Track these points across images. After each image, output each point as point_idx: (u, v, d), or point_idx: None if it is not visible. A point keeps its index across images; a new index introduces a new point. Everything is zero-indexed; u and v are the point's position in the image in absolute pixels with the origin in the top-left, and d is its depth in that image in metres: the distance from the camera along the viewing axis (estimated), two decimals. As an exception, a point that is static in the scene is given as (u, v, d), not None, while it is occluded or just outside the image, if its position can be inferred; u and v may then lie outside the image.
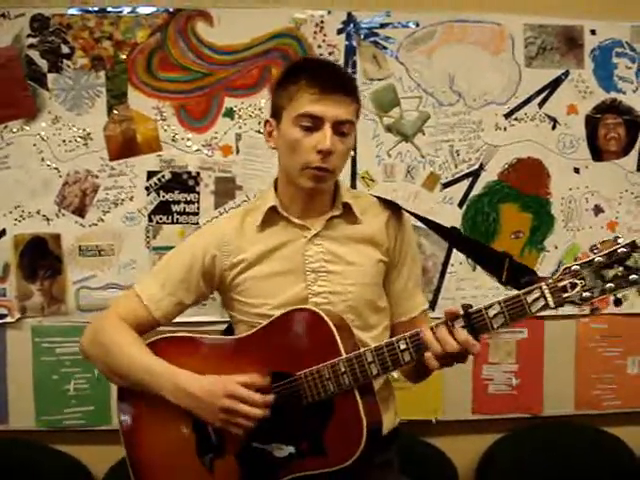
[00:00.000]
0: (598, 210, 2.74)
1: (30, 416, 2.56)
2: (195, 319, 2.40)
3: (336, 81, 1.59)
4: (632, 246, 1.35)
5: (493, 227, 2.69)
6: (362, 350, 1.51)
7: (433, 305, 2.65)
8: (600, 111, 2.72)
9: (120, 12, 2.54)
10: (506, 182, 2.69)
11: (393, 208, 1.74)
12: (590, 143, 2.72)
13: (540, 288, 1.40)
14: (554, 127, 2.70)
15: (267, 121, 1.68)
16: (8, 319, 2.55)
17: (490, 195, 2.69)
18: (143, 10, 2.54)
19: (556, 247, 2.73)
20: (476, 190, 2.68)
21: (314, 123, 1.57)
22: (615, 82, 2.72)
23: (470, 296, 2.63)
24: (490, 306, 1.43)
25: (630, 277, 1.34)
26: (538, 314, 1.42)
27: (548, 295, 1.39)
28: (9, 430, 2.55)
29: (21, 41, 2.50)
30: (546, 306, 1.40)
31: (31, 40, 2.51)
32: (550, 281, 1.40)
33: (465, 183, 2.68)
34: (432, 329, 1.46)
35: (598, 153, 2.74)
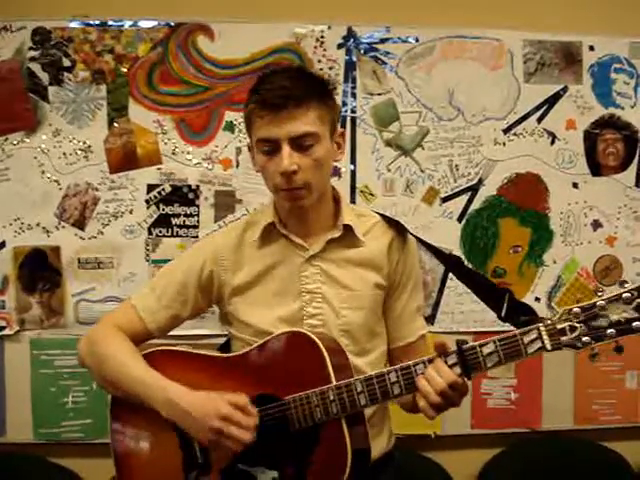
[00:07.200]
0: (597, 225, 2.75)
1: (28, 429, 2.56)
2: (193, 332, 2.40)
3: (283, 95, 1.49)
4: (637, 291, 1.29)
5: (492, 241, 2.70)
6: (352, 379, 1.48)
7: (432, 319, 2.66)
8: (598, 126, 2.74)
9: (121, 26, 2.55)
10: (505, 197, 2.70)
11: (398, 229, 1.69)
12: (589, 158, 2.73)
13: (538, 329, 1.34)
14: (553, 142, 2.71)
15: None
16: (7, 331, 2.55)
17: (489, 210, 2.70)
18: (144, 24, 2.55)
19: (555, 261, 2.73)
20: (475, 205, 2.69)
21: (272, 146, 1.51)
22: (613, 98, 2.74)
23: (469, 310, 2.64)
24: (485, 344, 1.38)
25: (633, 324, 1.28)
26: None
27: (545, 337, 1.34)
28: (6, 443, 2.55)
29: (22, 54, 2.52)
30: (543, 348, 1.34)
31: (32, 53, 2.52)
32: (549, 322, 1.34)
33: (464, 198, 2.69)
34: (425, 363, 1.44)
35: (597, 168, 2.74)
